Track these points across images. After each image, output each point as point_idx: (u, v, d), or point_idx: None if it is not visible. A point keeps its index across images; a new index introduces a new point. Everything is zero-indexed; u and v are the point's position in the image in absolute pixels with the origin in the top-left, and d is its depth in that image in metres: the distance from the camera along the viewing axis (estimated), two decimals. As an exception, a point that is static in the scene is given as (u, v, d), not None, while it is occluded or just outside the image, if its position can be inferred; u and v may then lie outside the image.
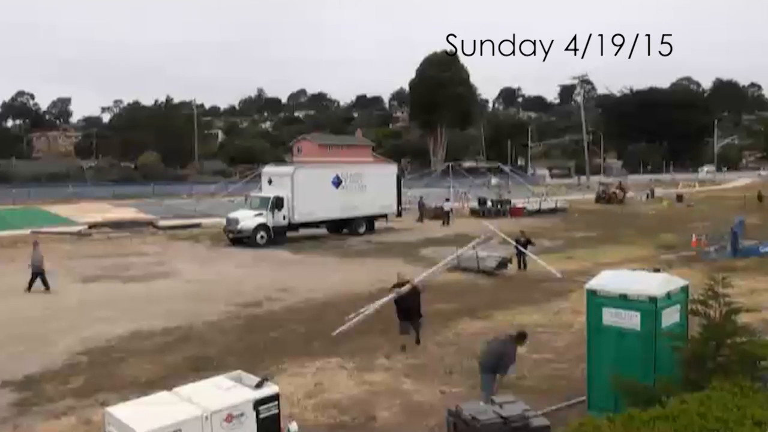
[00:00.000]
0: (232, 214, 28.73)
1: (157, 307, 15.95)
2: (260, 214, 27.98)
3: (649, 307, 8.41)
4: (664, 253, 23.53)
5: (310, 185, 29.62)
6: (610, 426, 5.67)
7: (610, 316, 8.77)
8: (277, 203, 28.42)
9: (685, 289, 8.99)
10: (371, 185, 31.77)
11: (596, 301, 8.97)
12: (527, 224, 34.55)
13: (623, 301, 8.65)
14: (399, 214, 34.23)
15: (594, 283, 9.17)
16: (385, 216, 33.03)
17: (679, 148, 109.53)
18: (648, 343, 8.38)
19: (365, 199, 31.36)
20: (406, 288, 12.85)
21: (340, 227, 31.33)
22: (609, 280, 9.31)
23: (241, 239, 27.54)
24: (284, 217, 28.58)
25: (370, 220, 32.16)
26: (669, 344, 8.05)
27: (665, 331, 8.41)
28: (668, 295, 8.66)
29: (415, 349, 12.46)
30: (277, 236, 28.23)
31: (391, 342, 12.57)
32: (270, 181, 30.19)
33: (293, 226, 29.19)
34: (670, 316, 8.67)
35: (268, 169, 32.10)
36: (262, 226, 27.81)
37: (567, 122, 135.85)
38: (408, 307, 12.76)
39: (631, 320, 8.55)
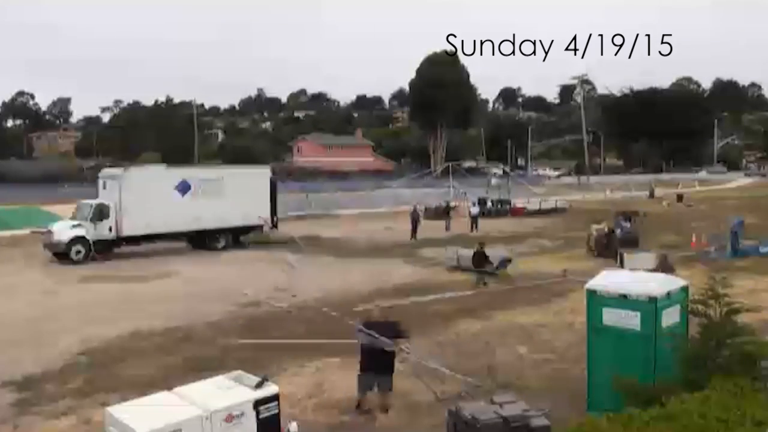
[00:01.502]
0: (51, 225, 24.65)
1: (157, 307, 15.94)
2: (78, 225, 23.80)
3: (649, 307, 8.40)
4: (664, 253, 23.46)
5: (145, 191, 24.73)
6: (610, 426, 5.67)
7: (610, 316, 8.76)
8: (101, 212, 24.06)
9: (685, 289, 8.99)
10: (234, 192, 26.68)
11: (596, 301, 8.96)
12: (528, 224, 34.60)
13: (623, 301, 8.63)
14: (274, 226, 28.81)
15: (594, 283, 9.16)
16: (255, 228, 28.00)
17: (679, 148, 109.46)
18: (648, 343, 8.39)
19: (225, 208, 26.31)
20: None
21: (204, 240, 26.80)
22: (609, 280, 9.32)
23: (66, 254, 23.31)
24: (110, 229, 24.17)
25: (235, 233, 27.54)
26: (669, 344, 8.06)
27: (665, 331, 8.41)
28: (668, 295, 8.66)
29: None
30: (101, 251, 23.87)
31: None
32: (104, 186, 25.70)
33: (125, 240, 24.70)
34: (670, 316, 8.67)
35: (104, 171, 27.91)
36: (79, 239, 23.43)
37: (567, 122, 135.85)
38: (376, 350, 9.23)
39: (631, 320, 8.54)
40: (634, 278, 9.64)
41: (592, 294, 9.04)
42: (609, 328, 8.76)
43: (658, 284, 8.98)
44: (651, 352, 8.37)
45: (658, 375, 8.02)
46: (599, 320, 8.91)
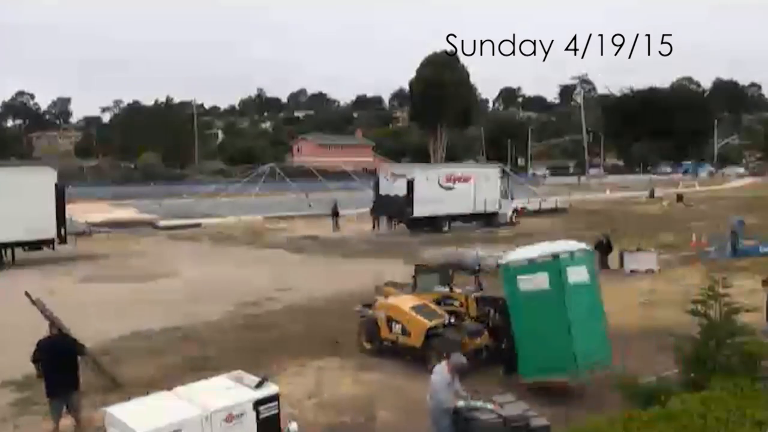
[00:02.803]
0: None
1: (157, 307, 15.94)
2: None
3: (554, 265, 9.45)
4: (664, 253, 23.47)
5: None
6: (610, 426, 5.67)
7: (524, 283, 9.69)
8: None
9: (588, 251, 10.22)
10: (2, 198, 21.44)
11: (510, 272, 9.92)
12: (528, 224, 34.55)
13: (532, 265, 9.66)
14: (63, 240, 23.77)
15: (506, 258, 10.32)
16: (38, 244, 23.22)
17: (679, 148, 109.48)
18: (559, 298, 9.37)
19: None
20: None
21: None
22: (519, 253, 10.50)
23: None
24: None
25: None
26: (579, 297, 9.41)
27: (574, 287, 9.43)
28: (571, 255, 9.69)
29: None
30: None
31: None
32: None
33: None
34: (577, 274, 9.62)
35: None
36: None
37: (567, 122, 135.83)
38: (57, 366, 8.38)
39: (542, 282, 9.51)
40: (541, 247, 10.62)
41: (505, 267, 10.04)
42: (525, 293, 9.69)
43: (561, 247, 10.10)
44: (562, 306, 9.31)
45: (573, 326, 9.24)
46: (515, 289, 9.84)
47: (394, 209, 31.91)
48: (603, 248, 20.94)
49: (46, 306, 8.97)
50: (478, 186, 33.52)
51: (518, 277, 9.72)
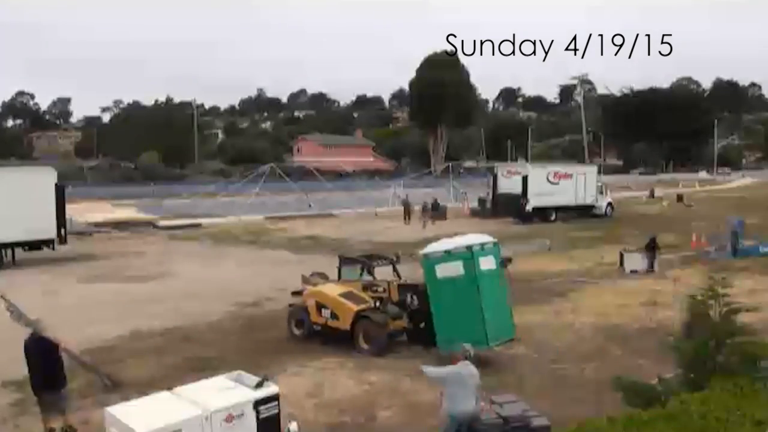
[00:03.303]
0: None
1: (157, 307, 15.93)
2: None
3: (468, 255, 10.82)
4: (664, 254, 23.45)
5: None
6: (610, 426, 5.67)
7: (442, 271, 11.05)
8: None
9: (496, 244, 11.56)
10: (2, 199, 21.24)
11: (430, 262, 11.27)
12: (529, 224, 34.50)
13: (449, 256, 11.04)
14: (63, 241, 23.60)
15: (426, 250, 11.59)
16: (38, 244, 22.98)
17: (679, 148, 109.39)
18: (472, 283, 10.72)
19: None
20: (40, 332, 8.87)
21: None
22: (438, 245, 11.67)
23: None
24: None
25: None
26: (488, 282, 10.84)
27: (485, 273, 10.84)
28: (482, 247, 11.11)
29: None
30: None
31: (391, 342, 12.55)
32: None
33: None
34: (487, 263, 11.00)
35: None
36: None
37: (567, 122, 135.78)
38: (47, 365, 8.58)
39: (457, 270, 10.85)
40: (457, 240, 11.88)
41: (426, 257, 11.37)
42: (443, 280, 11.05)
43: (473, 240, 11.45)
44: (475, 290, 10.69)
45: (484, 307, 10.64)
46: (434, 276, 11.19)
47: (511, 201, 36.35)
48: (650, 249, 20.87)
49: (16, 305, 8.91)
50: (578, 182, 37.95)
51: (436, 266, 11.10)
